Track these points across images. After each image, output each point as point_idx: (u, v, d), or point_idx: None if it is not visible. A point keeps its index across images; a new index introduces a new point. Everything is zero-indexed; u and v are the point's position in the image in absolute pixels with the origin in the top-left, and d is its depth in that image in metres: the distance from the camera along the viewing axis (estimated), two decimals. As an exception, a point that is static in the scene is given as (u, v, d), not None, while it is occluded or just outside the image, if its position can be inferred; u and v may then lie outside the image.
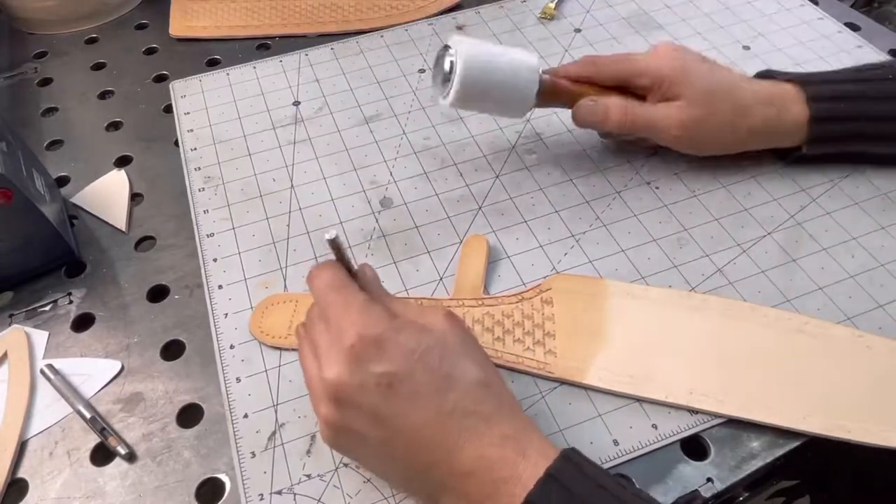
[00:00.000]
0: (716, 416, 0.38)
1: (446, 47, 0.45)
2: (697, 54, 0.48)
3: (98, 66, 0.65)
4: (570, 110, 0.49)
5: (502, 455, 0.31)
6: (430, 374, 0.31)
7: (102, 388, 0.42)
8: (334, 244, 0.34)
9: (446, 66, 0.44)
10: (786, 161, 0.50)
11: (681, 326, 0.41)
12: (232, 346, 0.43)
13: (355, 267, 0.36)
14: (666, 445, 0.38)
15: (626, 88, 0.48)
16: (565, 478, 0.30)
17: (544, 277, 0.45)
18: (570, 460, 0.31)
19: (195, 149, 0.56)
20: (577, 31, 0.64)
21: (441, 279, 0.46)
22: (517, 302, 0.43)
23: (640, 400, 0.39)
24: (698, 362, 0.40)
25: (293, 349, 0.42)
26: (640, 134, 0.49)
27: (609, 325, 0.42)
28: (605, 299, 0.43)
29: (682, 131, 0.47)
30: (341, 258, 0.35)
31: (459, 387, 0.32)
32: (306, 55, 0.64)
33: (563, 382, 0.40)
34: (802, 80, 0.47)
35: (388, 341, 0.31)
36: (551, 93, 0.47)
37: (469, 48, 0.44)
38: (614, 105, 0.47)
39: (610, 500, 0.30)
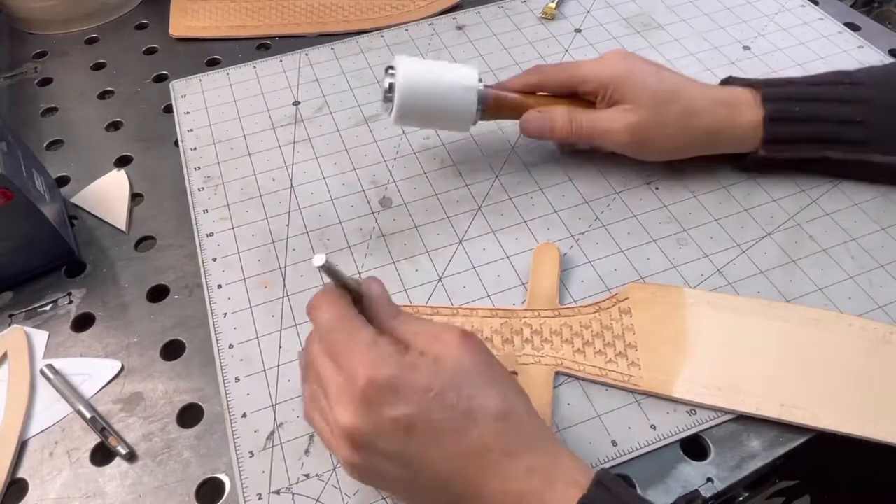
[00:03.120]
0: (810, 429, 0.37)
1: (388, 68, 0.46)
2: (647, 60, 0.48)
3: (98, 66, 0.65)
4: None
5: (529, 488, 0.30)
6: (449, 412, 0.30)
7: (102, 388, 0.42)
8: (328, 270, 0.31)
9: (387, 86, 0.46)
10: (742, 165, 0.49)
11: (764, 336, 0.41)
12: (231, 346, 0.43)
13: (356, 285, 0.33)
14: (665, 446, 0.38)
15: (575, 97, 0.49)
16: None
17: (544, 277, 0.45)
18: (604, 485, 0.30)
19: (195, 148, 0.56)
20: (578, 31, 0.64)
21: (440, 279, 0.46)
22: (594, 312, 0.42)
23: (732, 413, 0.38)
24: (785, 373, 0.39)
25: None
26: (590, 141, 0.49)
27: (691, 335, 0.41)
28: (685, 309, 0.42)
29: (631, 135, 0.46)
30: (340, 282, 0.33)
31: (480, 421, 0.30)
32: (306, 55, 0.64)
33: (649, 395, 0.39)
34: (757, 84, 0.47)
35: (402, 382, 0.30)
36: (496, 107, 0.48)
37: (408, 68, 0.45)
38: (559, 114, 0.47)
39: None
